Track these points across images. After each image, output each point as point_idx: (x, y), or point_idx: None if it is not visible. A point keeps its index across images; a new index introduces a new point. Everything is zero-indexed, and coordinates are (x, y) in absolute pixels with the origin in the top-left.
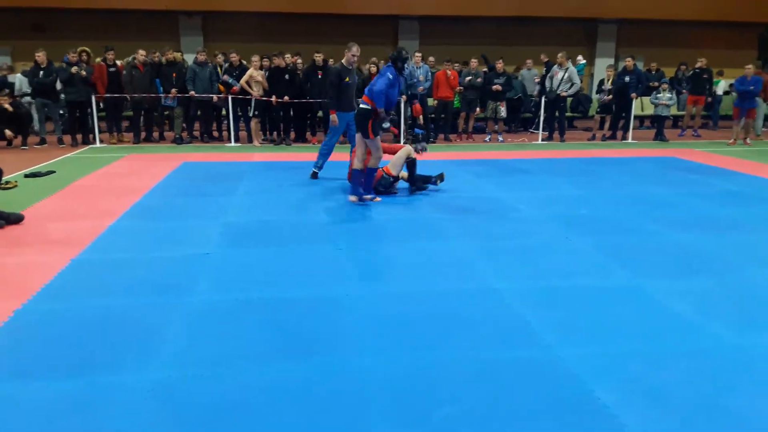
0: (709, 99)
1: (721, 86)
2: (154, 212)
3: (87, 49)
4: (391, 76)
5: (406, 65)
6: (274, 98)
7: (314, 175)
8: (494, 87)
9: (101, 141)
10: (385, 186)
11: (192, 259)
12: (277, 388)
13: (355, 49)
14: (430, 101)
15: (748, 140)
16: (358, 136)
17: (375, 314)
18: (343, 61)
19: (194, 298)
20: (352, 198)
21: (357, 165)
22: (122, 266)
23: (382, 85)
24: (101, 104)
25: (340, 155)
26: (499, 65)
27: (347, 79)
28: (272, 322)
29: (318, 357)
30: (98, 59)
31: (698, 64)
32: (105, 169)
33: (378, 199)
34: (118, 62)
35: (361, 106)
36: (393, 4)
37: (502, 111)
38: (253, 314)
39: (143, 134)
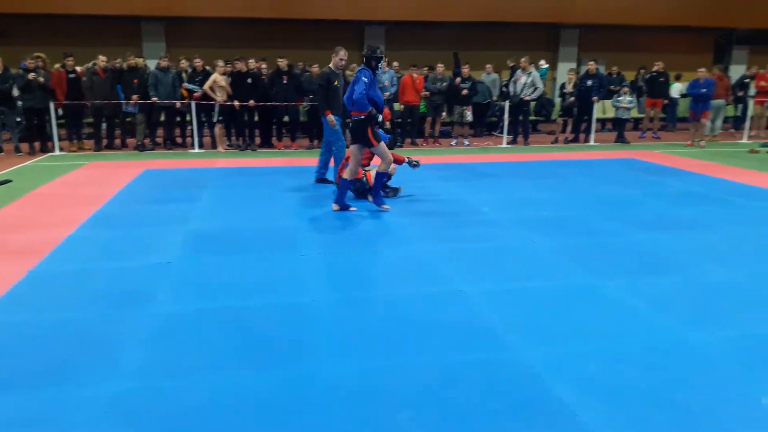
0: (666, 102)
1: (677, 89)
2: (115, 221)
3: (42, 54)
4: (366, 79)
5: (380, 65)
6: (236, 103)
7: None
8: (462, 91)
9: (61, 149)
10: (358, 189)
11: (154, 269)
12: (240, 397)
13: (342, 53)
14: (397, 106)
15: (702, 142)
16: (354, 148)
17: (339, 320)
18: (330, 65)
19: (155, 308)
20: (335, 207)
21: (346, 175)
22: (81, 277)
23: (361, 90)
24: (60, 111)
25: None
26: (465, 70)
27: (335, 82)
28: (235, 331)
29: (282, 364)
30: (57, 65)
31: (655, 68)
32: (64, 177)
33: (353, 208)
34: (78, 68)
35: (354, 118)
36: (359, 10)
37: (468, 115)
38: (216, 323)
39: (104, 141)
